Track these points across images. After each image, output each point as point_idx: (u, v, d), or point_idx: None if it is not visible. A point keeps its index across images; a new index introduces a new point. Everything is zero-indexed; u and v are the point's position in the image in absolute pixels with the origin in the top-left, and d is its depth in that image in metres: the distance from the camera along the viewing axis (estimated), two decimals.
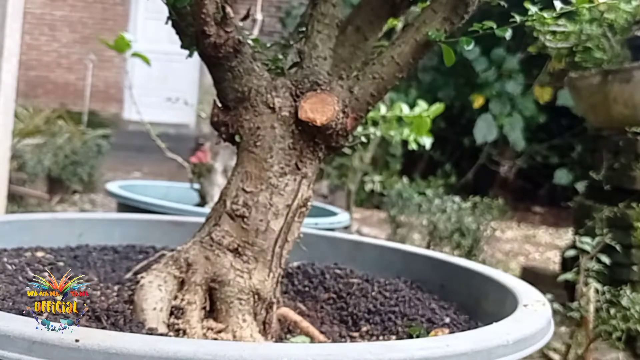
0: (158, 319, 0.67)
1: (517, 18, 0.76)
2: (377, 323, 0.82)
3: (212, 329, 0.70)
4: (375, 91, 0.74)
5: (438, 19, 0.73)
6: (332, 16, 0.77)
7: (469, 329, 0.71)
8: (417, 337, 0.77)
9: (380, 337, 0.78)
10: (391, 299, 0.87)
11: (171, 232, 1.02)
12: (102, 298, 0.71)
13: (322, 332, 0.78)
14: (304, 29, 0.79)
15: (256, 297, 0.72)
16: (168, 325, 0.68)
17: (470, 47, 0.74)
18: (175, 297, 0.70)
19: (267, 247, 0.72)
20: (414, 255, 1.00)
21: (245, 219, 0.71)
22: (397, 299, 0.87)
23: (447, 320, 0.82)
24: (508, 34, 0.74)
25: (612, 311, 2.11)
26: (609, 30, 2.67)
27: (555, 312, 2.28)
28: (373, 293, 0.89)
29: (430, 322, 0.82)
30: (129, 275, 0.84)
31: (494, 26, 0.73)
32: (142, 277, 0.71)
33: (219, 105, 0.75)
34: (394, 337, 0.78)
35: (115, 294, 0.73)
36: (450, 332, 0.77)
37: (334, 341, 0.76)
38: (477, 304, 0.83)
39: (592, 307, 2.13)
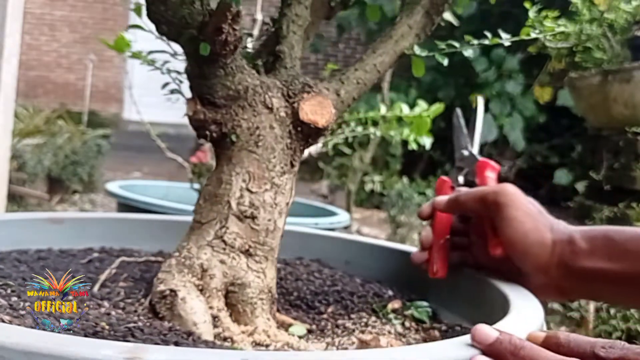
0: (209, 332, 0.67)
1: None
2: (331, 303, 0.83)
3: (244, 333, 0.70)
4: (357, 95, 0.78)
5: (412, 34, 0.81)
6: (304, 18, 0.79)
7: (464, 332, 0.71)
8: (382, 312, 0.79)
9: (353, 316, 0.78)
10: (325, 280, 0.88)
11: (171, 232, 1.01)
12: (131, 316, 0.67)
13: (294, 319, 0.79)
14: (277, 27, 0.79)
15: (269, 295, 0.73)
16: (215, 336, 0.68)
17: (446, 62, 0.83)
18: (211, 307, 0.69)
19: (275, 245, 0.74)
20: (353, 243, 1.00)
21: (255, 220, 0.72)
22: (330, 279, 0.89)
23: (391, 293, 0.85)
24: (469, 53, 0.84)
25: (612, 311, 2.12)
26: (609, 30, 2.67)
27: (555, 312, 2.28)
28: (304, 276, 0.89)
29: (378, 296, 0.84)
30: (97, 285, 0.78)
31: (457, 45, 0.83)
32: (174, 291, 0.68)
33: (202, 102, 0.73)
34: (364, 313, 0.79)
35: (134, 309, 0.70)
36: (403, 304, 0.81)
37: (317, 326, 0.77)
38: (474, 306, 0.82)
39: (592, 307, 2.13)
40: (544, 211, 0.74)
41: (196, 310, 0.67)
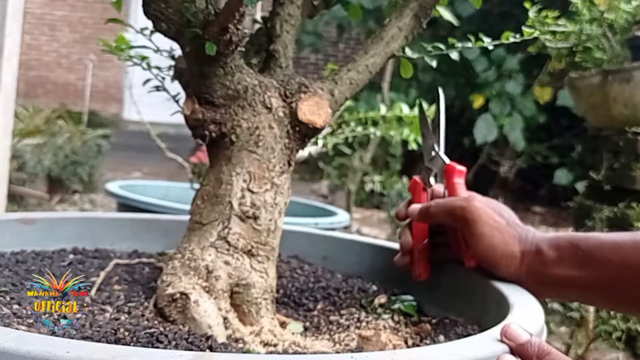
0: (223, 334, 0.67)
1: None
2: (319, 300, 0.83)
3: (252, 333, 0.70)
4: (349, 95, 0.79)
5: (401, 36, 0.82)
6: (297, 18, 0.79)
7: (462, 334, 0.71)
8: (371, 307, 0.80)
9: (343, 312, 0.79)
10: (309, 276, 0.88)
11: (142, 231, 0.98)
12: (146, 322, 0.66)
13: (287, 317, 0.79)
14: (268, 26, 0.79)
15: (272, 294, 0.74)
16: (226, 338, 0.68)
17: (434, 63, 0.86)
18: (219, 308, 0.69)
19: (276, 245, 0.74)
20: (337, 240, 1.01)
21: (257, 220, 0.72)
22: (313, 275, 0.89)
23: (375, 288, 0.86)
24: (434, 63, 0.86)
25: (612, 311, 2.11)
26: (609, 30, 2.67)
27: (555, 312, 2.28)
28: (287, 273, 0.89)
29: (363, 291, 0.85)
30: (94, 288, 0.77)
31: (443, 48, 0.86)
32: (185, 294, 0.67)
33: (199, 101, 0.73)
34: (353, 309, 0.79)
35: (140, 313, 0.69)
36: (389, 298, 0.82)
37: (311, 323, 0.77)
38: (457, 299, 0.82)
39: (592, 307, 2.13)
40: (514, 219, 0.76)
41: (209, 312, 0.67)
